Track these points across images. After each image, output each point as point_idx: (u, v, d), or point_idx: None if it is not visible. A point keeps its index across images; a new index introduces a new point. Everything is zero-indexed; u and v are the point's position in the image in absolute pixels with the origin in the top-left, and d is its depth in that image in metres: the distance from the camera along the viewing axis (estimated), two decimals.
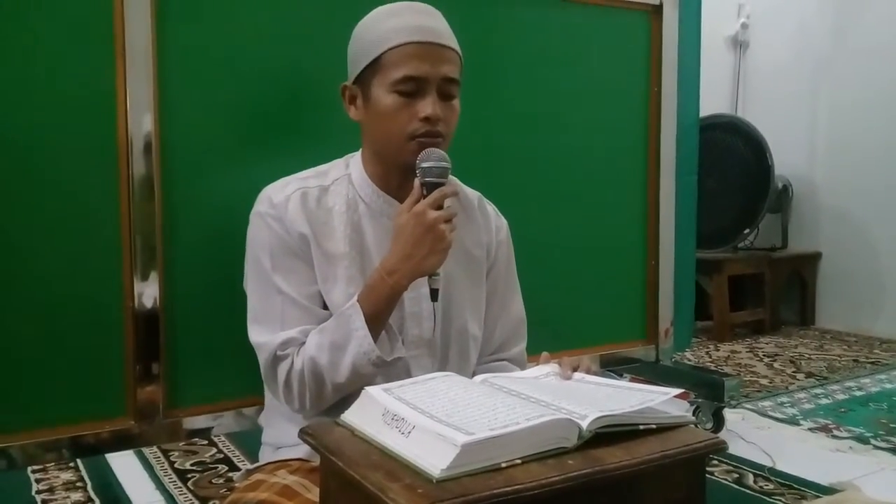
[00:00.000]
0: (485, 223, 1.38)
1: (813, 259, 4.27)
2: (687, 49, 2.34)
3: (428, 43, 1.18)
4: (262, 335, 1.21)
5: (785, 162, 4.10)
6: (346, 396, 1.16)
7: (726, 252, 4.04)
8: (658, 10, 2.21)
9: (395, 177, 1.26)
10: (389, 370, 1.21)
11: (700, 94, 2.51)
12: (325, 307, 1.22)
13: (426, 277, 1.18)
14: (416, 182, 1.17)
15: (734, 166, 4.01)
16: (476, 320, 1.34)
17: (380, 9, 1.24)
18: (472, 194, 1.40)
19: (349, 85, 1.26)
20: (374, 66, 1.19)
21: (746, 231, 4.07)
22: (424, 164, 1.16)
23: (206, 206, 1.56)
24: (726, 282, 3.91)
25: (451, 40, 1.22)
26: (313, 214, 1.23)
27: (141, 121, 1.47)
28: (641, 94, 2.23)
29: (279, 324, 1.20)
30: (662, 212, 2.27)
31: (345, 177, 1.29)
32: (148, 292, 1.50)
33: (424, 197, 1.16)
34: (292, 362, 1.18)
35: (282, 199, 1.23)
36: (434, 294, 1.19)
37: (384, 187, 1.28)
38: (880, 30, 3.92)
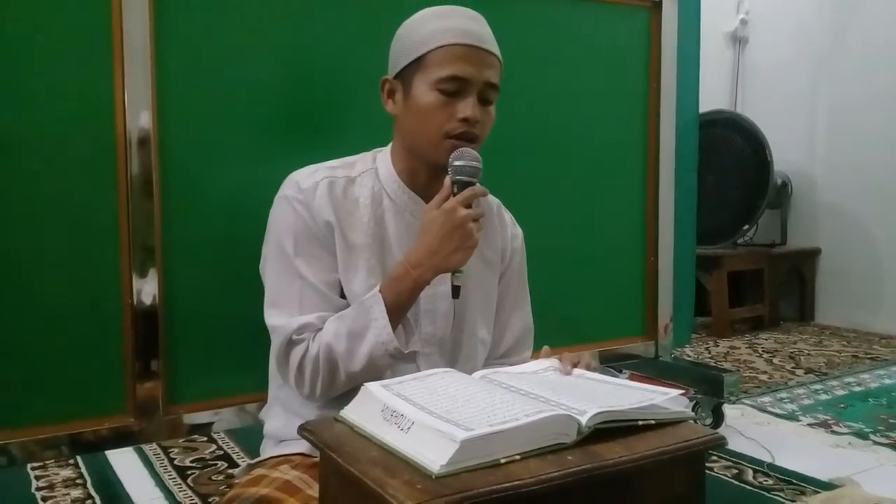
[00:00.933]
0: (501, 230, 1.41)
1: (812, 255, 4.27)
2: (686, 45, 2.34)
3: (474, 46, 1.20)
4: (278, 318, 1.21)
5: (784, 158, 4.10)
6: (355, 389, 1.16)
7: (725, 248, 4.04)
8: (657, 6, 2.21)
9: (423, 174, 1.27)
10: (400, 366, 1.22)
11: (700, 91, 2.52)
12: (343, 296, 1.23)
13: (449, 275, 1.19)
14: (447, 180, 1.18)
15: (733, 162, 4.01)
16: (486, 324, 1.36)
17: (427, 10, 1.25)
18: (492, 200, 1.42)
19: (390, 79, 1.27)
20: (419, 63, 1.21)
21: (746, 227, 4.07)
22: (457, 163, 1.18)
23: (204, 204, 1.56)
24: (726, 278, 3.91)
25: (495, 47, 1.24)
26: (339, 203, 1.24)
27: (139, 119, 1.47)
28: (641, 91, 2.23)
29: (297, 308, 1.20)
30: (662, 208, 2.27)
31: (371, 170, 1.30)
32: (147, 289, 1.50)
33: (454, 195, 1.17)
34: (307, 347, 1.18)
35: (310, 185, 1.24)
36: (456, 291, 1.20)
37: (410, 184, 1.29)
38: (879, 27, 3.91)
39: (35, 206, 1.41)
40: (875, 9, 3.94)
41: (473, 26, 1.22)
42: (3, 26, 1.37)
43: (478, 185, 1.20)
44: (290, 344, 1.19)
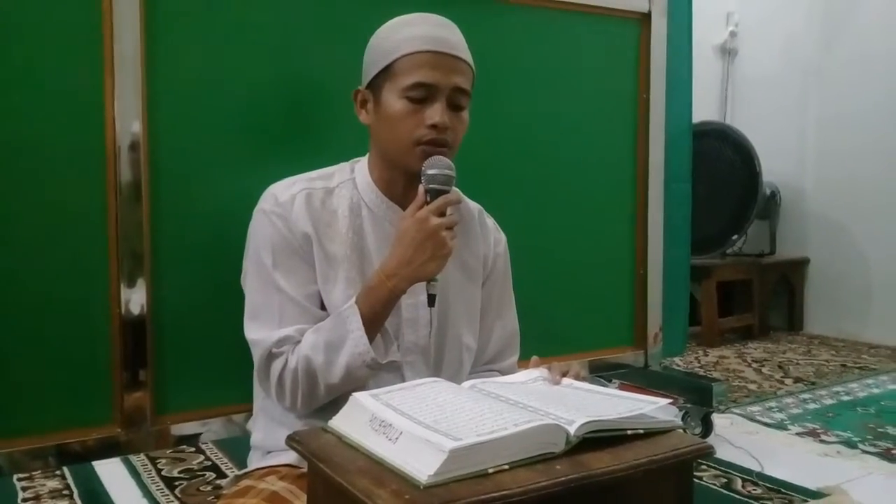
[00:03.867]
0: (483, 235, 1.40)
1: (801, 265, 4.29)
2: (676, 56, 2.35)
3: (441, 53, 1.20)
4: (258, 332, 1.21)
5: (773, 169, 4.12)
6: (339, 398, 1.16)
7: (715, 258, 4.06)
8: (647, 17, 2.23)
9: (399, 183, 1.27)
10: (383, 376, 1.22)
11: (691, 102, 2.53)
12: (324, 308, 1.23)
13: (425, 283, 1.19)
14: (421, 188, 1.18)
15: (723, 173, 4.03)
16: (471, 330, 1.36)
17: (396, 19, 1.26)
18: (474, 206, 1.41)
19: (362, 90, 1.28)
20: (387, 72, 1.21)
21: (735, 237, 4.09)
22: (430, 171, 1.18)
23: (193, 213, 1.55)
24: (715, 287, 3.93)
25: (464, 53, 1.24)
26: (317, 215, 1.24)
27: (129, 127, 1.47)
28: (630, 101, 2.24)
29: (276, 321, 1.20)
30: (651, 218, 2.28)
31: (349, 181, 1.30)
32: (135, 299, 1.49)
33: (428, 203, 1.17)
34: (286, 360, 1.18)
35: (287, 197, 1.24)
36: (431, 300, 1.20)
37: (388, 193, 1.29)
38: (868, 39, 3.95)
39: (23, 214, 1.41)
40: (864, 21, 3.98)
41: (441, 32, 1.22)
42: None
43: (452, 192, 1.19)
44: (270, 357, 1.19)
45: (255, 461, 1.30)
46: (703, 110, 4.16)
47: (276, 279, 1.21)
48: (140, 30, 1.48)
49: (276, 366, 1.19)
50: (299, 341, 1.19)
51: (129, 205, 1.48)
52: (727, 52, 4.62)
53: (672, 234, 2.37)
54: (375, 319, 1.17)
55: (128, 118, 1.47)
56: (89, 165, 1.46)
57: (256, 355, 1.22)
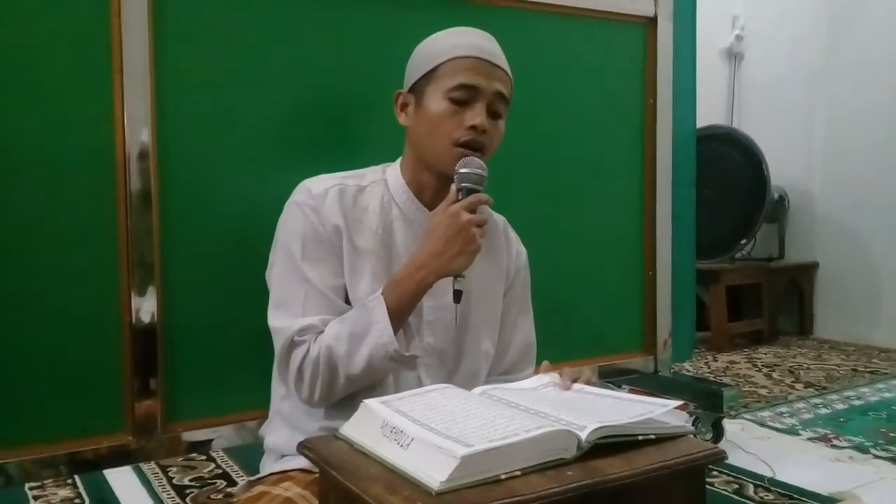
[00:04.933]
0: (507, 247, 1.42)
1: (810, 269, 4.27)
2: (682, 60, 2.36)
3: (484, 60, 1.25)
4: (281, 320, 1.22)
5: (781, 173, 4.11)
6: (354, 398, 1.16)
7: (723, 262, 4.05)
8: (653, 21, 2.23)
9: (431, 186, 1.30)
10: (401, 375, 1.24)
11: (696, 106, 2.53)
12: (348, 302, 1.24)
13: (451, 281, 1.20)
14: (453, 186, 1.21)
15: (730, 177, 4.02)
16: (489, 338, 1.37)
17: (443, 30, 1.30)
18: (499, 218, 1.44)
19: (403, 92, 1.31)
20: (431, 75, 1.25)
21: (743, 241, 4.08)
22: (463, 170, 1.20)
23: (203, 221, 1.56)
24: (724, 292, 3.91)
25: (505, 64, 1.29)
26: (349, 210, 1.27)
27: (139, 135, 1.48)
28: (637, 106, 2.24)
29: (300, 310, 1.21)
30: (659, 223, 2.28)
31: (381, 181, 1.32)
32: (146, 307, 1.50)
33: (459, 200, 1.19)
34: (308, 349, 1.19)
35: (321, 191, 1.26)
36: (457, 296, 1.21)
37: (419, 195, 1.31)
38: (874, 42, 3.94)
39: (34, 223, 1.41)
40: (870, 24, 3.97)
41: (485, 43, 1.28)
42: (4, 42, 1.38)
43: (482, 193, 1.21)
44: (292, 345, 1.20)
45: (268, 464, 1.30)
46: (710, 114, 4.16)
47: (303, 269, 1.23)
48: (149, 38, 1.48)
49: (298, 354, 1.19)
50: (322, 331, 1.20)
51: (139, 213, 1.48)
52: (733, 56, 4.62)
53: (678, 238, 2.37)
54: (401, 312, 1.19)
55: (137, 127, 1.48)
56: (99, 174, 1.47)
57: (278, 343, 1.23)
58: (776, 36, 4.43)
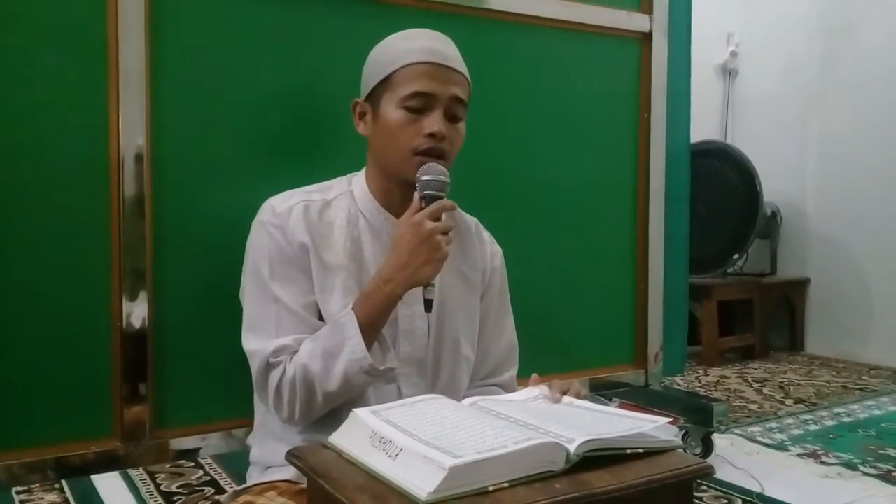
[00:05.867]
0: (480, 248, 1.41)
1: (802, 285, 4.29)
2: (677, 76, 2.37)
3: (438, 64, 1.23)
4: (255, 342, 1.22)
5: (774, 189, 4.13)
6: (337, 411, 1.16)
7: (715, 277, 4.06)
8: (648, 37, 2.24)
9: (396, 194, 1.29)
10: (379, 388, 1.23)
11: (690, 122, 2.54)
12: (321, 318, 1.23)
13: (421, 290, 1.19)
14: (416, 195, 1.20)
15: (723, 192, 4.03)
16: (469, 342, 1.36)
17: (395, 34, 1.29)
18: (470, 220, 1.43)
19: (360, 101, 1.30)
20: (386, 83, 1.24)
21: (736, 257, 4.09)
22: (424, 178, 1.19)
23: (196, 227, 1.56)
24: (716, 307, 3.92)
25: (460, 66, 1.27)
26: (315, 226, 1.26)
27: (133, 140, 1.48)
28: (631, 121, 2.25)
29: (274, 331, 1.21)
30: (651, 237, 2.29)
31: (347, 192, 1.32)
32: (136, 312, 1.49)
33: (423, 209, 1.18)
34: (284, 370, 1.18)
35: (285, 209, 1.25)
36: (428, 305, 1.20)
37: (385, 204, 1.30)
38: (869, 60, 3.97)
39: (26, 228, 1.41)
40: (865, 41, 4.00)
41: (438, 45, 1.25)
42: (1, 47, 1.38)
43: (446, 199, 1.21)
44: (268, 367, 1.19)
45: (254, 476, 1.30)
46: (704, 130, 4.18)
47: (273, 290, 1.22)
48: (145, 42, 1.49)
49: (274, 376, 1.19)
50: (297, 351, 1.19)
51: (132, 218, 1.48)
52: (728, 72, 4.64)
53: (671, 253, 2.38)
54: (373, 326, 1.18)
55: (132, 131, 1.48)
56: (93, 178, 1.47)
57: (254, 366, 1.22)
58: (771, 53, 4.46)
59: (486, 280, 1.41)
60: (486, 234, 1.45)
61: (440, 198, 1.20)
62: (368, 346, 1.16)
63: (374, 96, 1.26)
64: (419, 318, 1.27)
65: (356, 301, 1.19)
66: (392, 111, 1.23)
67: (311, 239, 1.24)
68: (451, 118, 1.24)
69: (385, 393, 1.24)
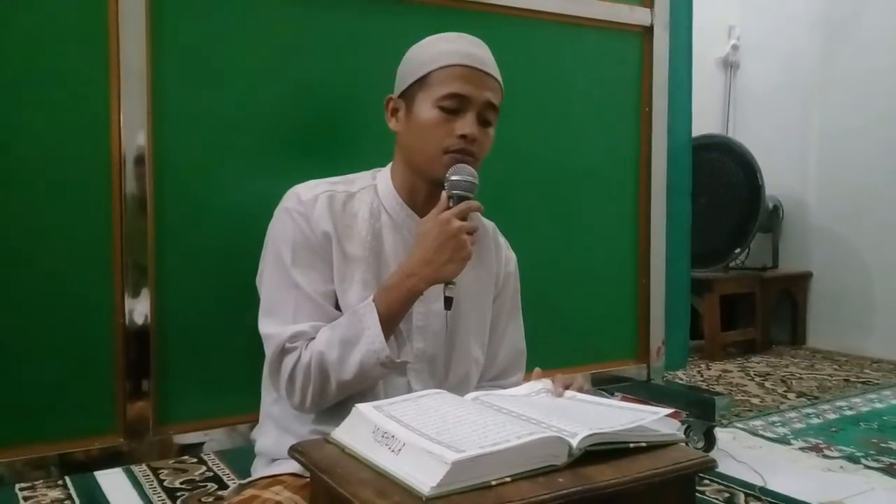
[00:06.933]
0: (497, 253, 1.43)
1: (804, 279, 4.29)
2: (678, 70, 2.36)
3: (475, 68, 1.25)
4: (272, 326, 1.22)
5: (775, 182, 4.13)
6: (345, 402, 1.16)
7: (717, 271, 4.06)
8: (649, 31, 2.24)
9: (421, 192, 1.30)
10: (390, 382, 1.24)
11: (692, 115, 2.53)
12: (339, 308, 1.24)
13: (441, 288, 1.20)
14: (444, 194, 1.21)
15: (725, 186, 4.03)
16: (479, 344, 1.37)
17: (435, 35, 1.31)
18: (488, 224, 1.44)
19: (394, 97, 1.31)
20: (422, 83, 1.25)
21: (737, 251, 4.09)
22: (453, 177, 1.21)
23: (197, 224, 1.56)
24: (718, 301, 3.92)
25: (496, 72, 1.28)
26: (338, 216, 1.27)
27: (134, 137, 1.48)
28: (633, 114, 2.25)
29: (291, 317, 1.22)
30: (653, 231, 2.28)
31: (371, 187, 1.33)
32: (139, 309, 1.49)
33: (450, 208, 1.19)
34: (299, 355, 1.19)
35: (310, 197, 1.27)
36: (448, 303, 1.21)
37: (409, 201, 1.31)
38: (870, 53, 3.96)
39: (28, 224, 1.41)
40: (867, 34, 3.99)
41: (476, 50, 1.27)
42: (1, 43, 1.38)
43: (473, 200, 1.22)
44: (283, 352, 1.20)
45: (259, 468, 1.30)
46: (706, 123, 4.17)
47: (293, 275, 1.23)
48: (146, 41, 1.48)
49: (289, 361, 1.19)
50: (313, 337, 1.20)
51: (134, 215, 1.48)
52: (729, 66, 4.64)
53: (673, 247, 2.38)
54: (392, 319, 1.19)
55: (133, 129, 1.48)
56: (95, 176, 1.47)
57: (269, 350, 1.23)
58: (772, 46, 4.45)
59: (500, 284, 1.42)
60: (503, 240, 1.46)
61: (468, 198, 1.21)
62: (386, 338, 1.17)
63: (409, 94, 1.27)
64: (434, 315, 1.28)
65: (377, 293, 1.20)
66: (426, 110, 1.24)
67: (334, 228, 1.25)
68: (483, 122, 1.25)
69: (396, 386, 1.25)
